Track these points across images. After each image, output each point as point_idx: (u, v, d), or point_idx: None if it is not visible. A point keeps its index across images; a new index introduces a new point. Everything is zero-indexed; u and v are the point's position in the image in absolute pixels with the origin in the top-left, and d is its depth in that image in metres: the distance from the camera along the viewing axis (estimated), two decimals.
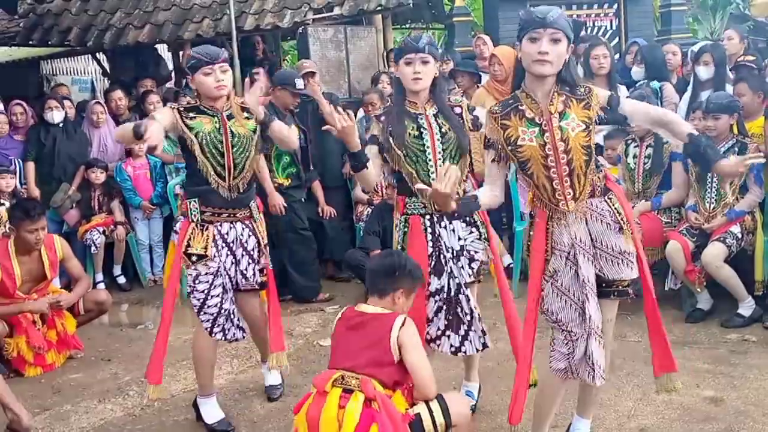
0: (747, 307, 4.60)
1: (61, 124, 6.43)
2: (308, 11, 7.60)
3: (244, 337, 3.67)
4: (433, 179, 3.09)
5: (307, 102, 5.93)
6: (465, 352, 3.33)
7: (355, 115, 6.68)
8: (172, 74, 8.98)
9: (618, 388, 3.78)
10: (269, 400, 3.86)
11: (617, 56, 6.75)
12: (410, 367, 2.82)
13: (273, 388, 3.91)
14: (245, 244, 3.53)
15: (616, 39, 8.85)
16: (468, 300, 3.27)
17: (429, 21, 11.49)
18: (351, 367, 2.78)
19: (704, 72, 5.32)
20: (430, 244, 3.24)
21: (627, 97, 5.07)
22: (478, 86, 6.06)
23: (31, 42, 8.70)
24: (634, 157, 4.97)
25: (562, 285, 2.79)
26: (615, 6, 9.14)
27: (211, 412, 3.57)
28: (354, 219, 6.28)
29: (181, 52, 8.52)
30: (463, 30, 8.98)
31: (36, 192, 6.28)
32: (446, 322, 3.26)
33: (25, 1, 8.76)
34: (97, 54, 9.60)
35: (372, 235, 5.58)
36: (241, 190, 3.49)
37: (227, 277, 3.50)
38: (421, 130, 3.22)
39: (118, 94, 7.07)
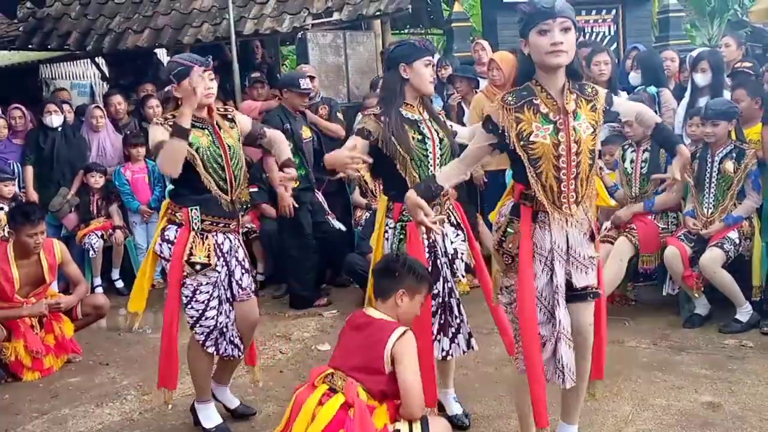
0: (744, 312, 4.60)
1: (60, 128, 6.44)
2: (307, 16, 7.62)
3: (239, 355, 3.60)
4: None
5: (317, 104, 5.98)
6: (452, 355, 3.35)
7: (354, 120, 6.70)
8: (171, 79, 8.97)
9: (616, 393, 3.78)
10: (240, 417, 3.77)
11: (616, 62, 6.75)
12: (401, 383, 2.77)
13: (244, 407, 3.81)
14: (236, 255, 3.52)
15: (615, 44, 8.86)
16: (458, 303, 3.33)
17: (427, 26, 11.52)
18: (340, 367, 2.80)
19: (702, 78, 5.34)
20: (427, 250, 3.24)
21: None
22: (476, 91, 6.07)
23: (30, 46, 8.72)
24: (632, 161, 4.99)
25: (536, 288, 2.74)
26: (613, 12, 9.16)
27: (210, 416, 3.56)
28: (352, 223, 6.28)
29: None
30: (462, 35, 8.97)
31: (34, 196, 6.29)
32: (439, 327, 3.29)
33: (24, 5, 8.77)
34: (96, 58, 9.61)
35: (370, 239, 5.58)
36: (240, 202, 3.51)
37: (222, 288, 3.45)
38: (424, 135, 3.24)
39: (118, 98, 7.08)
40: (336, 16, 7.62)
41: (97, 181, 6.41)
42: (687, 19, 12.38)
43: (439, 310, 3.29)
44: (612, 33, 9.16)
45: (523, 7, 2.62)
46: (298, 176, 5.55)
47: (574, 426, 3.04)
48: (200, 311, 3.40)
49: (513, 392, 3.04)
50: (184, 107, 3.19)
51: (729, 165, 4.65)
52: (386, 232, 3.31)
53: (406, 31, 12.14)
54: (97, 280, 6.34)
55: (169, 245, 3.36)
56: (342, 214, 6.27)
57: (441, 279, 3.27)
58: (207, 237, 3.38)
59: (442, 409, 3.48)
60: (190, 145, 3.28)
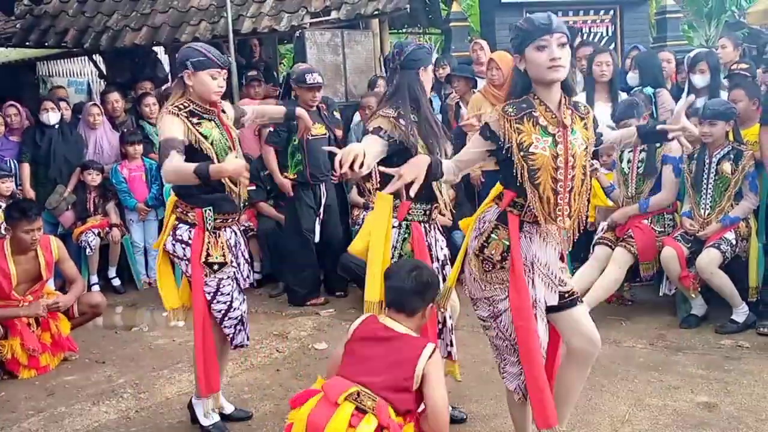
0: (741, 313, 4.61)
1: (56, 126, 6.42)
2: (305, 15, 7.61)
3: (247, 344, 3.64)
4: (441, 188, 3.26)
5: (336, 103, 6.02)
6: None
7: (351, 119, 6.70)
8: (169, 76, 8.98)
9: (612, 393, 3.79)
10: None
11: None
12: (431, 403, 2.72)
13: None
14: (240, 247, 3.56)
15: (612, 45, 8.87)
16: (441, 309, 3.29)
17: (426, 26, 11.51)
18: (367, 384, 2.68)
19: (700, 80, 5.35)
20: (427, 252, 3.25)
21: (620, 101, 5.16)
22: (474, 91, 6.07)
23: (27, 43, 8.70)
24: (628, 161, 5.00)
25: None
26: (611, 13, 9.18)
27: (208, 414, 3.54)
28: (350, 222, 6.28)
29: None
30: (460, 35, 8.98)
31: (31, 193, 6.27)
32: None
33: (22, 2, 8.76)
34: (93, 56, 9.59)
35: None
36: (245, 197, 3.51)
37: (237, 280, 3.50)
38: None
39: (115, 96, 7.06)
40: (334, 15, 7.61)
41: (94, 178, 6.40)
42: (684, 20, 12.42)
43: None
44: (609, 34, 9.19)
45: (520, 24, 2.66)
46: (299, 171, 5.64)
47: None
48: (228, 304, 3.42)
49: (509, 406, 3.01)
50: (218, 174, 3.04)
51: (726, 166, 4.65)
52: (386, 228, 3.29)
53: (404, 30, 12.14)
54: (94, 278, 6.33)
55: (183, 245, 3.35)
56: (339, 213, 6.26)
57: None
58: (219, 235, 3.40)
59: None
60: (206, 137, 3.27)
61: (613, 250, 4.85)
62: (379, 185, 3.31)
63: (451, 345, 3.37)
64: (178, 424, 3.71)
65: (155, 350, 4.87)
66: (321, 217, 5.79)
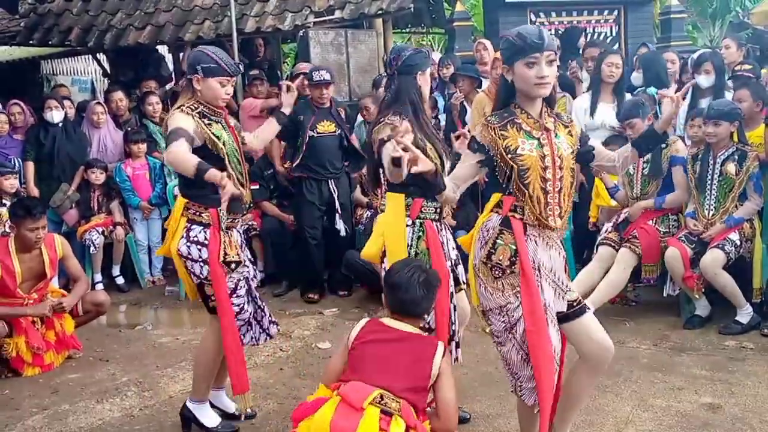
0: (745, 314, 4.61)
1: (60, 124, 6.43)
2: (309, 14, 7.61)
3: (266, 339, 3.67)
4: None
5: (339, 102, 6.05)
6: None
7: (355, 119, 6.70)
8: (173, 75, 8.99)
9: (616, 393, 3.79)
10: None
11: None
12: (442, 399, 2.75)
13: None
14: (244, 247, 3.56)
15: (616, 45, 8.86)
16: (455, 309, 3.30)
17: (429, 25, 11.50)
18: (390, 387, 2.68)
19: (705, 80, 5.34)
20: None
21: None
22: (478, 91, 6.07)
23: (31, 42, 8.70)
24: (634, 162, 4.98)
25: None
26: (615, 13, 9.17)
27: (210, 415, 3.55)
28: (353, 221, 6.28)
29: (181, 54, 8.52)
30: (464, 35, 8.97)
31: (35, 191, 6.29)
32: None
33: (26, 1, 8.77)
34: (97, 54, 9.60)
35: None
36: (249, 198, 3.52)
37: (249, 280, 3.51)
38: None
39: (119, 94, 7.07)
40: (338, 14, 7.61)
41: (97, 177, 6.41)
42: (689, 21, 12.39)
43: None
44: (613, 34, 9.18)
45: (513, 38, 2.68)
46: (296, 169, 5.68)
47: None
48: (240, 306, 3.42)
49: (519, 419, 3.00)
50: (212, 179, 3.03)
51: (731, 167, 4.65)
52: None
53: (407, 30, 12.13)
54: (98, 277, 6.33)
55: (198, 246, 3.32)
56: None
57: (451, 280, 3.26)
58: (231, 234, 3.41)
59: None
60: (218, 138, 3.29)
61: (617, 250, 4.85)
62: (387, 187, 3.31)
63: (458, 346, 3.35)
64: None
65: (159, 348, 4.88)
66: (339, 212, 5.80)
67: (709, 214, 4.74)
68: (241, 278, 3.43)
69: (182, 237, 3.34)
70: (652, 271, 4.84)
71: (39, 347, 4.48)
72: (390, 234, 3.19)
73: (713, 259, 4.55)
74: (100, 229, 6.31)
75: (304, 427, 2.67)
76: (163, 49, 9.58)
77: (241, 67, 3.42)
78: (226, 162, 3.30)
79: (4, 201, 5.60)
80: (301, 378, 4.20)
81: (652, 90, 5.49)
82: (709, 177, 4.73)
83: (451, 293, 3.26)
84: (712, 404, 3.64)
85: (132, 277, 6.57)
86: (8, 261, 4.48)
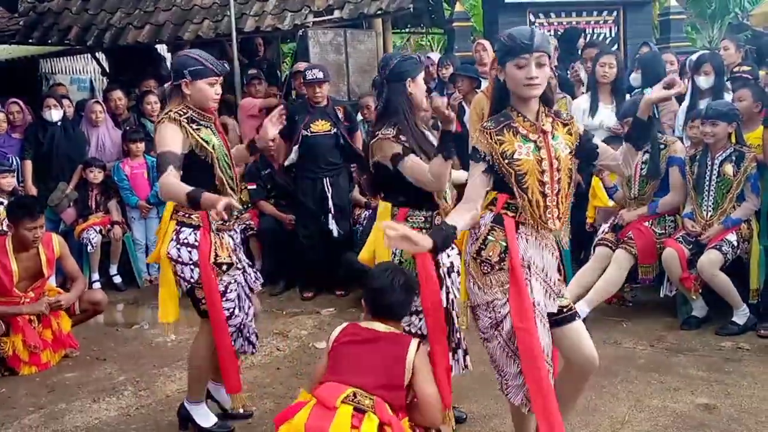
0: (741, 315, 4.61)
1: (59, 123, 6.44)
2: (308, 14, 7.62)
3: (253, 352, 3.63)
4: (447, 194, 3.24)
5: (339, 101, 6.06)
6: (451, 370, 3.34)
7: (355, 118, 6.70)
8: (172, 74, 8.97)
9: (612, 394, 3.79)
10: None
11: None
12: (422, 394, 2.78)
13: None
14: (239, 251, 3.53)
15: (615, 46, 8.87)
16: (457, 317, 3.29)
17: (429, 26, 11.53)
18: (362, 385, 2.70)
19: (704, 81, 5.33)
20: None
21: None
22: (477, 91, 6.07)
23: (30, 40, 8.71)
24: None
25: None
26: (615, 14, 9.17)
27: (207, 415, 3.55)
28: (351, 222, 6.28)
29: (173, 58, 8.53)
30: (463, 35, 8.97)
31: (33, 190, 6.30)
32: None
33: (25, 0, 8.76)
34: (96, 53, 9.60)
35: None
36: (242, 201, 3.50)
37: (241, 286, 3.47)
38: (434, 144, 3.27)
39: (118, 93, 7.08)
40: (337, 14, 7.62)
41: (96, 176, 6.41)
42: (688, 22, 12.38)
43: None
44: (613, 35, 9.18)
45: (504, 39, 2.70)
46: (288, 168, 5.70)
47: None
48: (230, 310, 3.38)
49: (514, 423, 3.01)
50: (208, 206, 2.96)
51: (728, 168, 4.65)
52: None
53: (407, 30, 12.14)
54: (95, 276, 6.34)
55: (189, 248, 3.30)
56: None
57: (444, 289, 3.23)
58: (222, 236, 3.38)
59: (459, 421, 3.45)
60: (207, 143, 3.27)
61: (613, 251, 4.85)
62: (383, 195, 3.32)
63: (466, 354, 3.33)
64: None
65: (156, 348, 4.88)
66: (332, 212, 5.80)
67: (707, 215, 4.74)
68: (232, 281, 3.39)
69: (171, 240, 3.31)
70: (649, 271, 4.84)
71: (36, 346, 4.48)
72: (378, 240, 3.22)
73: (711, 260, 4.55)
74: (98, 228, 6.31)
75: (283, 431, 2.69)
76: (162, 48, 9.58)
77: (227, 65, 3.41)
78: (216, 167, 3.28)
79: (1, 199, 5.60)
80: (298, 377, 4.20)
81: (649, 91, 5.49)
82: (707, 178, 4.73)
83: (452, 300, 3.25)
84: (708, 405, 3.64)
85: (129, 276, 6.56)
86: (5, 260, 4.48)
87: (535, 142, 2.72)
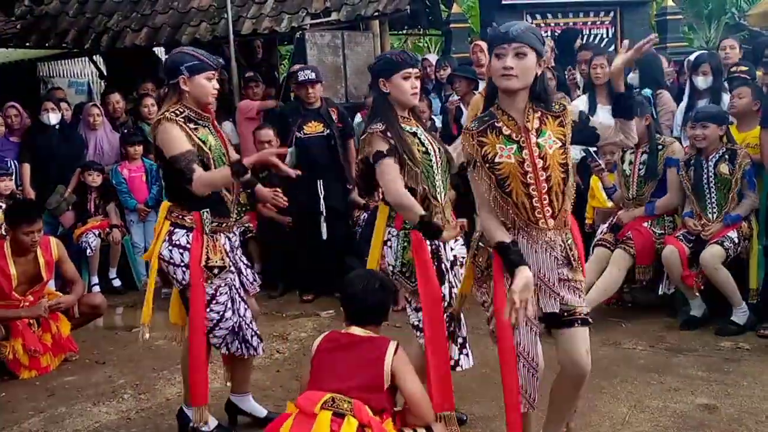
0: (741, 315, 4.61)
1: (57, 126, 6.44)
2: (306, 16, 7.62)
3: (253, 354, 3.56)
4: (439, 193, 3.22)
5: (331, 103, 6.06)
6: (462, 367, 3.34)
7: (352, 120, 6.70)
8: (166, 74, 8.94)
9: (612, 395, 3.79)
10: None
11: None
12: (408, 395, 2.80)
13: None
14: (237, 253, 3.51)
15: (612, 47, 8.87)
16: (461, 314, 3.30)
17: (426, 27, 11.51)
18: (340, 390, 2.72)
19: (702, 82, 5.34)
20: (431, 255, 3.23)
21: None
22: (474, 92, 6.07)
23: (28, 44, 8.69)
24: (630, 163, 5.00)
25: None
26: (611, 14, 9.18)
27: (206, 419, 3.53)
28: (351, 223, 6.28)
29: (165, 58, 8.51)
30: (460, 37, 8.97)
31: (31, 193, 6.29)
32: (447, 333, 3.27)
33: (22, 3, 8.75)
34: (94, 56, 9.59)
35: (368, 241, 5.57)
36: (239, 201, 3.49)
37: (234, 288, 3.42)
38: (426, 146, 3.24)
39: (116, 96, 7.08)
40: (334, 16, 7.61)
41: (94, 179, 6.40)
42: (684, 22, 12.40)
43: (447, 317, 3.24)
44: (610, 35, 9.18)
45: (489, 30, 2.72)
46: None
47: None
48: (221, 313, 3.34)
49: None
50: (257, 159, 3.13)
51: (724, 167, 4.68)
52: (388, 240, 3.26)
53: (404, 31, 12.14)
54: (94, 279, 6.33)
55: (181, 250, 3.28)
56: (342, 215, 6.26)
57: (447, 284, 3.24)
58: (216, 239, 3.35)
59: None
60: (204, 143, 3.24)
61: (612, 251, 4.86)
62: (381, 197, 3.32)
63: (462, 349, 3.34)
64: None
65: (155, 351, 4.87)
66: (324, 214, 5.78)
67: (713, 217, 4.74)
68: (223, 284, 3.34)
69: (165, 240, 3.30)
70: (646, 272, 4.85)
71: (35, 350, 4.48)
72: (374, 243, 3.28)
73: (713, 254, 4.56)
74: (97, 232, 6.31)
75: None
76: (159, 51, 9.57)
77: (220, 60, 3.40)
78: (213, 167, 3.25)
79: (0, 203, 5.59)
80: (298, 380, 4.16)
81: (647, 91, 5.50)
82: (705, 181, 4.74)
83: (452, 293, 3.26)
84: (708, 405, 3.64)
85: (128, 279, 6.56)
86: (3, 264, 4.48)
87: (518, 142, 2.68)
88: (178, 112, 3.25)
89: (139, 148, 6.54)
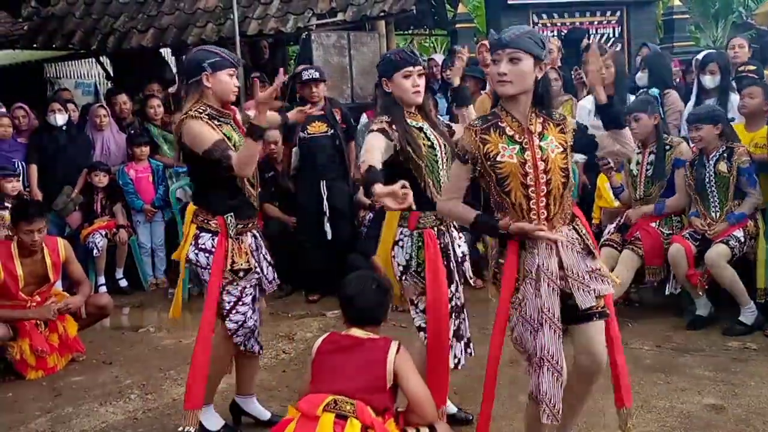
0: (749, 314, 4.59)
1: (64, 127, 6.46)
2: (311, 17, 7.63)
3: (260, 351, 3.60)
4: (439, 185, 3.19)
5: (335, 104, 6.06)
6: (464, 365, 3.34)
7: (357, 120, 6.70)
8: (176, 78, 9.00)
9: None
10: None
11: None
12: (411, 394, 2.81)
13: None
14: (261, 251, 3.52)
15: (619, 47, 8.86)
16: (466, 311, 3.30)
17: (432, 27, 11.50)
18: (342, 391, 2.72)
19: (710, 81, 5.33)
20: (442, 254, 3.23)
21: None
22: (482, 92, 6.07)
23: (34, 45, 8.73)
24: (637, 163, 4.98)
25: (526, 313, 2.73)
26: (618, 13, 9.16)
27: (212, 419, 3.54)
28: (356, 223, 6.28)
29: (184, 57, 8.53)
30: (466, 36, 8.97)
31: (39, 194, 6.31)
32: (453, 331, 3.27)
33: (29, 5, 8.79)
34: (100, 57, 9.62)
35: (373, 240, 5.57)
36: (259, 200, 3.50)
37: (257, 288, 3.46)
38: (431, 141, 3.24)
39: (123, 97, 7.10)
40: (340, 16, 7.62)
41: (101, 180, 6.42)
42: (691, 21, 12.36)
43: (453, 314, 3.26)
44: (616, 35, 9.17)
45: (489, 39, 2.75)
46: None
47: None
48: (245, 315, 3.37)
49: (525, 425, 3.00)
50: (260, 114, 3.08)
51: (723, 166, 4.68)
52: (400, 240, 3.25)
53: (410, 31, 12.13)
54: (101, 280, 6.34)
55: (206, 254, 3.31)
56: (347, 215, 6.26)
57: (455, 282, 3.26)
58: (242, 241, 3.37)
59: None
60: (229, 138, 3.25)
61: (619, 252, 4.84)
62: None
63: (469, 341, 3.36)
64: None
65: (162, 351, 4.89)
66: (327, 215, 5.78)
67: (716, 216, 4.73)
68: (248, 286, 3.38)
69: (191, 244, 3.34)
70: (657, 273, 4.83)
71: (42, 350, 4.49)
72: (383, 243, 3.29)
73: (718, 253, 4.55)
74: (104, 232, 6.32)
75: None
76: (166, 52, 9.60)
77: (240, 59, 3.43)
78: None
79: (6, 204, 5.61)
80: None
81: (654, 91, 5.49)
82: (707, 181, 4.73)
83: (458, 289, 3.28)
84: (715, 405, 3.63)
85: (135, 279, 6.57)
86: (10, 264, 4.49)
87: (521, 143, 2.70)
88: (201, 110, 3.26)
89: (146, 149, 6.56)
